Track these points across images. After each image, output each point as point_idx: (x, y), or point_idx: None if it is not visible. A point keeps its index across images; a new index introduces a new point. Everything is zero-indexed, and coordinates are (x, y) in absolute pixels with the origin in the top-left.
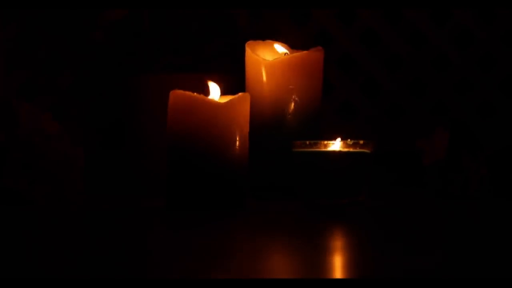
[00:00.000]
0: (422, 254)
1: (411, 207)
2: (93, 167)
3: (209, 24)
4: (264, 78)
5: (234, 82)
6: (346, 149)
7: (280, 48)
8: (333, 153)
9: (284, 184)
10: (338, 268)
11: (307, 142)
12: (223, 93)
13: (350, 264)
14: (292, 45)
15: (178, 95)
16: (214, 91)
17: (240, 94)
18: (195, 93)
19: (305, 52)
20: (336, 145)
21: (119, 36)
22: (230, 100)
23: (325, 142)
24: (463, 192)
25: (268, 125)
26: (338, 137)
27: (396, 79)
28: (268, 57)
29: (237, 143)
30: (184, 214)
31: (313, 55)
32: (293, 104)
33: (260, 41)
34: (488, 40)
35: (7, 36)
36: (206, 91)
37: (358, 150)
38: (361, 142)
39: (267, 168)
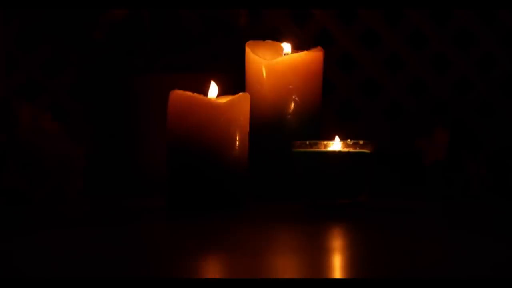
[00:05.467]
0: (422, 254)
1: (411, 207)
2: (93, 167)
3: (209, 24)
4: (264, 78)
5: (234, 82)
6: (346, 149)
7: (287, 47)
8: (333, 153)
9: (284, 184)
10: (338, 268)
11: (307, 142)
12: (223, 93)
13: (350, 264)
14: (292, 45)
15: (178, 95)
16: (213, 90)
17: (240, 94)
18: (195, 93)
19: (305, 52)
20: (335, 144)
21: (120, 36)
22: (230, 100)
23: (325, 142)
24: (463, 192)
25: (268, 125)
26: (336, 135)
27: (396, 79)
28: (268, 57)
29: (237, 143)
30: (184, 214)
31: (313, 55)
32: (293, 104)
33: (260, 41)
34: (488, 40)
35: (7, 36)
36: (205, 91)
37: (358, 150)
38: (361, 142)
39: (267, 168)
